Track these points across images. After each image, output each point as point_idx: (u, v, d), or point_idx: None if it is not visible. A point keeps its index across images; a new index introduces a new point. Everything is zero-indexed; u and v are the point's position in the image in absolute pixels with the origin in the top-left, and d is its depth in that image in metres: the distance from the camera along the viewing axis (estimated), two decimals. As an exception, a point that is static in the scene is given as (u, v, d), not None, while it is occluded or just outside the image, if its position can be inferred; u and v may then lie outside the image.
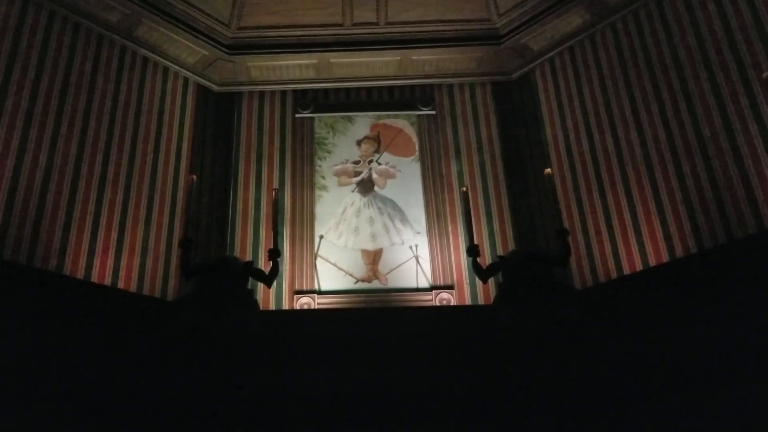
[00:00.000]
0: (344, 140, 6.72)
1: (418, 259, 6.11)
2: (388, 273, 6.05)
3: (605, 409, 4.35)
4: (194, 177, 4.98)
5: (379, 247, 6.19)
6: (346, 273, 6.06)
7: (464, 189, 5.09)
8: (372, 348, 4.57)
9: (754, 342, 4.09)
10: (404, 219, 6.31)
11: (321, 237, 6.24)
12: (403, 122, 6.81)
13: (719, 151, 5.01)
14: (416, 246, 6.18)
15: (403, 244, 6.20)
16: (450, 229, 6.21)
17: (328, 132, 6.76)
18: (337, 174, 6.57)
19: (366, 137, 6.73)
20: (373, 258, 6.14)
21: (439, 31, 6.71)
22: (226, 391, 4.41)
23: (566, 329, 4.52)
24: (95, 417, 4.27)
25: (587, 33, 6.32)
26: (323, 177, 6.53)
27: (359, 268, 6.09)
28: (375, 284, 5.99)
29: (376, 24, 6.70)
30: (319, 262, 6.10)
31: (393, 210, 6.37)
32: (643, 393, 4.38)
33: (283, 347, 4.62)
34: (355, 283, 6.00)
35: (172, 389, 4.42)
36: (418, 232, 6.23)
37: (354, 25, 6.70)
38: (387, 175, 6.54)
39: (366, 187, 6.49)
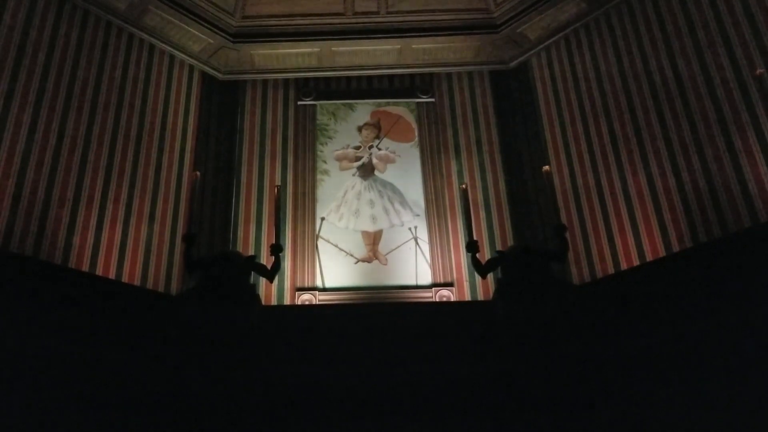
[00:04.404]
0: (345, 126, 6.34)
1: (417, 240, 5.77)
2: (388, 253, 5.73)
3: (603, 403, 4.12)
4: (198, 174, 4.62)
5: (379, 228, 5.86)
6: (347, 253, 5.74)
7: (463, 186, 4.66)
8: (373, 344, 4.34)
9: (751, 335, 3.82)
10: (403, 202, 5.97)
11: (322, 219, 5.91)
12: (402, 109, 6.42)
13: (713, 144, 4.69)
14: (415, 228, 5.85)
15: (402, 225, 5.87)
16: (449, 224, 5.83)
17: (330, 119, 6.38)
18: (339, 158, 6.21)
19: (366, 123, 6.36)
20: (374, 239, 5.82)
21: (438, 20, 6.33)
22: (228, 386, 4.18)
23: (564, 324, 4.22)
24: (97, 409, 4.00)
25: (582, 22, 5.97)
26: (325, 161, 6.17)
27: (360, 248, 5.77)
28: (375, 264, 5.66)
29: (377, 13, 6.34)
30: (320, 243, 5.78)
31: (393, 193, 6.02)
32: (641, 386, 4.12)
33: (285, 342, 4.39)
34: (356, 263, 5.69)
35: (173, 383, 4.17)
36: (417, 215, 5.90)
37: (355, 14, 6.34)
38: (387, 160, 6.19)
39: (366, 171, 6.14)
